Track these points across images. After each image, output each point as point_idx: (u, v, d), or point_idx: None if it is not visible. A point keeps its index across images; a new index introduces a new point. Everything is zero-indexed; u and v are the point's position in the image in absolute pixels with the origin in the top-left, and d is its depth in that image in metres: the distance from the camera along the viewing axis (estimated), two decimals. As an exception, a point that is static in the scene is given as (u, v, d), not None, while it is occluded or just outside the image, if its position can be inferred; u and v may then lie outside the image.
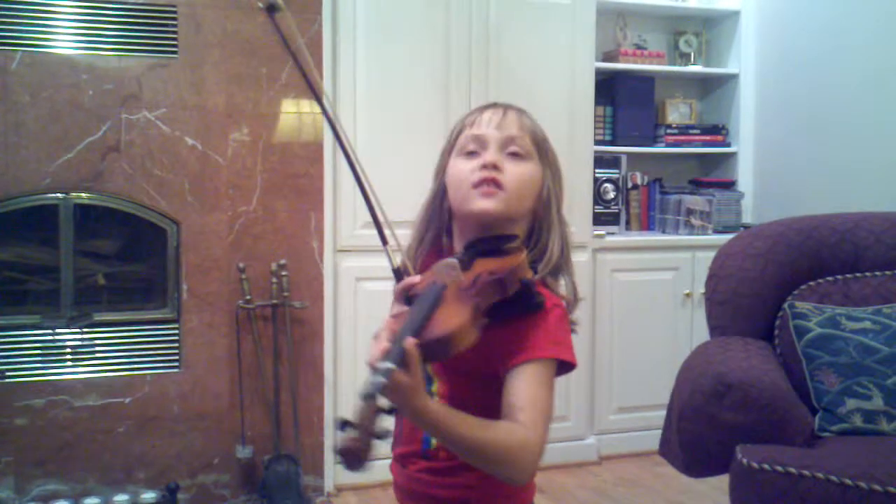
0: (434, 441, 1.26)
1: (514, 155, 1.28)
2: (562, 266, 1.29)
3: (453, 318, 1.09)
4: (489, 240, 1.26)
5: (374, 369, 0.99)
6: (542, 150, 1.32)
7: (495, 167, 1.25)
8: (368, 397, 0.95)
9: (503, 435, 1.13)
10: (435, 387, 1.28)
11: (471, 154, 1.29)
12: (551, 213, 1.30)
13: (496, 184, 1.25)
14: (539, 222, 1.31)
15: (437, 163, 1.38)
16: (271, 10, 1.31)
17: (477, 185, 1.26)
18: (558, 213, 1.32)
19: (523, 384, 1.17)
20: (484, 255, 1.23)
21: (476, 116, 1.33)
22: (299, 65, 1.35)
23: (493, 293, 1.15)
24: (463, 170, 1.28)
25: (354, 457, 0.93)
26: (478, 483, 1.25)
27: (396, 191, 3.30)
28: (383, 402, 0.97)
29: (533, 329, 1.20)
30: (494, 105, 1.34)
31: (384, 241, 1.29)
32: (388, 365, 0.98)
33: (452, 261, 1.22)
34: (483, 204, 1.25)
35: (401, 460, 1.35)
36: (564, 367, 1.23)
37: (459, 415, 1.10)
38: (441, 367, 1.27)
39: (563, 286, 1.31)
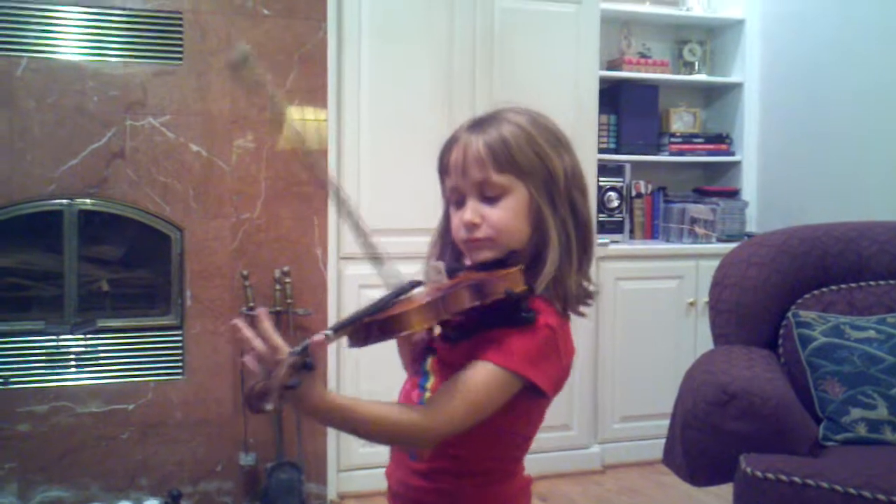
0: None
1: (491, 198, 1.25)
2: (565, 270, 1.25)
3: (405, 306, 1.13)
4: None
5: (320, 332, 1.08)
6: (515, 165, 1.25)
7: (475, 225, 1.25)
8: (298, 352, 1.03)
9: (403, 417, 1.18)
10: (430, 383, 1.29)
11: (457, 203, 1.29)
12: (546, 224, 1.25)
13: (483, 237, 1.26)
14: (540, 235, 1.27)
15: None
16: (237, 67, 1.31)
17: (466, 242, 1.28)
18: (554, 214, 1.26)
19: (468, 375, 1.18)
20: (481, 269, 1.25)
21: (447, 156, 1.30)
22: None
23: (468, 297, 1.16)
24: (455, 224, 1.29)
25: (255, 399, 1.03)
26: (455, 489, 1.27)
27: (400, 195, 3.34)
28: (307, 360, 1.05)
29: (514, 338, 1.19)
30: (459, 133, 1.30)
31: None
32: (327, 331, 1.08)
33: (439, 264, 1.25)
34: (477, 256, 1.27)
35: (393, 460, 1.37)
36: (535, 391, 1.21)
37: (355, 399, 1.16)
38: (438, 365, 1.28)
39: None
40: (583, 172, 1.32)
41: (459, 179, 1.27)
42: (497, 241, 1.26)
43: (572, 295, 1.26)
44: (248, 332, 1.07)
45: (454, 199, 1.30)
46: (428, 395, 1.28)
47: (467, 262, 1.30)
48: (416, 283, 1.23)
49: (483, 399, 1.18)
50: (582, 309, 1.30)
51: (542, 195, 1.26)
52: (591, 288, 1.31)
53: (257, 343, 1.06)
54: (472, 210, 1.25)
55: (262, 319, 1.08)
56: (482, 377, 1.17)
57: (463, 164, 1.26)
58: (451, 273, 1.24)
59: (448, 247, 1.35)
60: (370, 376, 3.18)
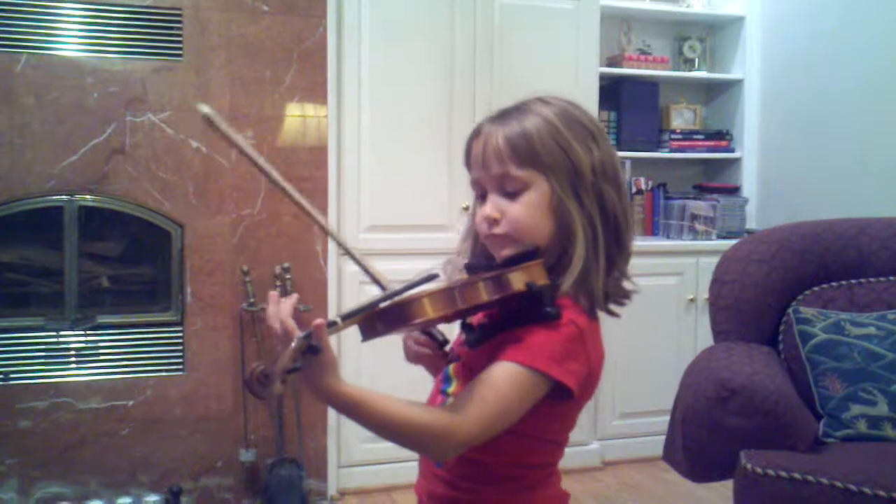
0: None
1: (511, 193, 1.22)
2: (590, 268, 1.20)
3: (420, 294, 1.10)
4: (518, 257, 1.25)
5: (328, 320, 1.06)
6: (536, 159, 1.20)
7: (495, 221, 1.22)
8: (303, 336, 1.02)
9: (424, 418, 1.11)
10: (452, 387, 1.26)
11: (480, 197, 1.26)
12: (571, 219, 1.20)
13: (503, 233, 1.23)
14: (565, 231, 1.22)
15: None
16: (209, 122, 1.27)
17: (487, 238, 1.25)
18: (580, 209, 1.21)
19: (492, 377, 1.13)
20: (504, 265, 1.21)
21: (470, 149, 1.27)
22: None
23: (486, 288, 1.13)
24: (477, 219, 1.26)
25: (256, 382, 1.02)
26: (480, 497, 1.23)
27: (401, 192, 3.33)
28: (312, 343, 1.03)
29: (537, 335, 1.15)
30: (483, 125, 1.26)
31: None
32: (337, 317, 1.07)
33: (459, 260, 1.23)
34: (499, 253, 1.24)
35: (420, 473, 1.33)
36: (562, 391, 1.16)
37: (375, 392, 1.10)
38: (461, 369, 1.26)
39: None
40: (617, 165, 1.25)
41: (480, 173, 1.24)
42: (517, 238, 1.21)
43: (599, 293, 1.21)
44: (272, 309, 1.08)
45: (477, 193, 1.27)
46: (451, 400, 1.24)
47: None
48: (434, 276, 1.19)
49: (508, 402, 1.12)
50: (614, 308, 1.26)
51: (565, 190, 1.20)
52: (628, 286, 1.26)
53: (275, 323, 1.06)
54: (492, 205, 1.22)
55: (285, 302, 1.09)
56: (506, 378, 1.12)
57: (483, 158, 1.23)
58: (473, 270, 1.21)
59: (478, 241, 1.31)
60: (371, 380, 3.18)
